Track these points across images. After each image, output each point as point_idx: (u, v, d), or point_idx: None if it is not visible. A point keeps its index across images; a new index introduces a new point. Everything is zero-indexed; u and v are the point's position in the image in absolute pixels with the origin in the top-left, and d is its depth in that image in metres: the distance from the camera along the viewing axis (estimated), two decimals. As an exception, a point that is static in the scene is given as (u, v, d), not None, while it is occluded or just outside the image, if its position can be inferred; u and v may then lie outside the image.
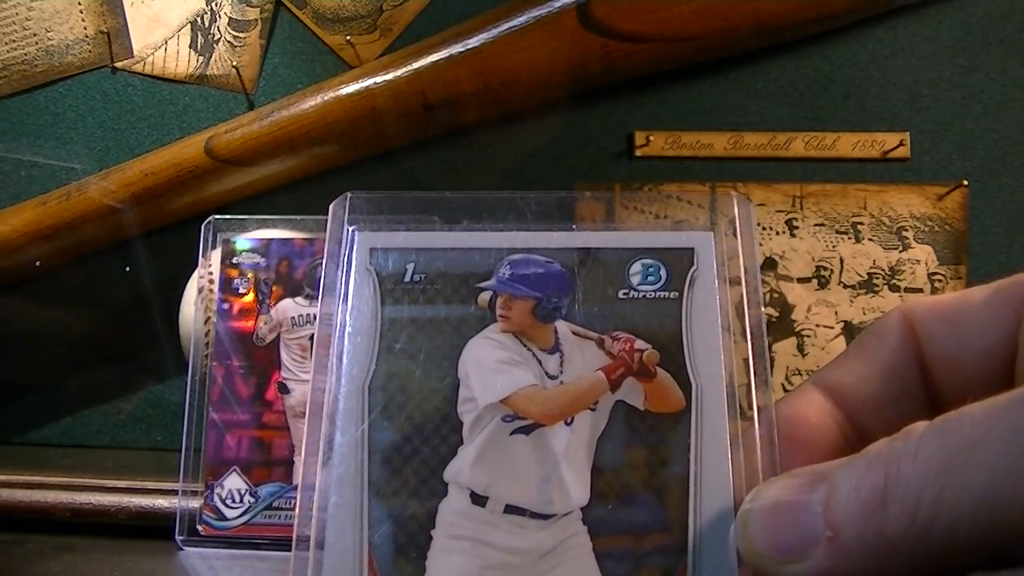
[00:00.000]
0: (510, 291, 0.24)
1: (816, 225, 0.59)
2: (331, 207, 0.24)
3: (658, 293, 0.24)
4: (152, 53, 0.64)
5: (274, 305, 0.49)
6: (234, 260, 0.50)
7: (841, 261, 0.59)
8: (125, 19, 0.64)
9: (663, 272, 0.24)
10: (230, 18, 0.63)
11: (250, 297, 0.50)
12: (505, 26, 0.56)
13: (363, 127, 0.58)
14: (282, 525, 0.47)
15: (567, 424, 0.23)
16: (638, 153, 0.60)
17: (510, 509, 0.22)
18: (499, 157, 0.61)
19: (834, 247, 0.59)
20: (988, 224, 0.59)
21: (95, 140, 0.64)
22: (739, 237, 0.24)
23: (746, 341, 0.23)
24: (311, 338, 0.49)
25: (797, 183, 0.60)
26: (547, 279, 0.24)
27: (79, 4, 0.64)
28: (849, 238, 0.59)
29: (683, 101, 0.61)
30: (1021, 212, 0.59)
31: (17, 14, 0.64)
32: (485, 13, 0.58)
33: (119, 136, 0.64)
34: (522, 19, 0.56)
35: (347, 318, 0.23)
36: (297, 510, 0.22)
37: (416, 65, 0.57)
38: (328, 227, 0.24)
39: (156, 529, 0.48)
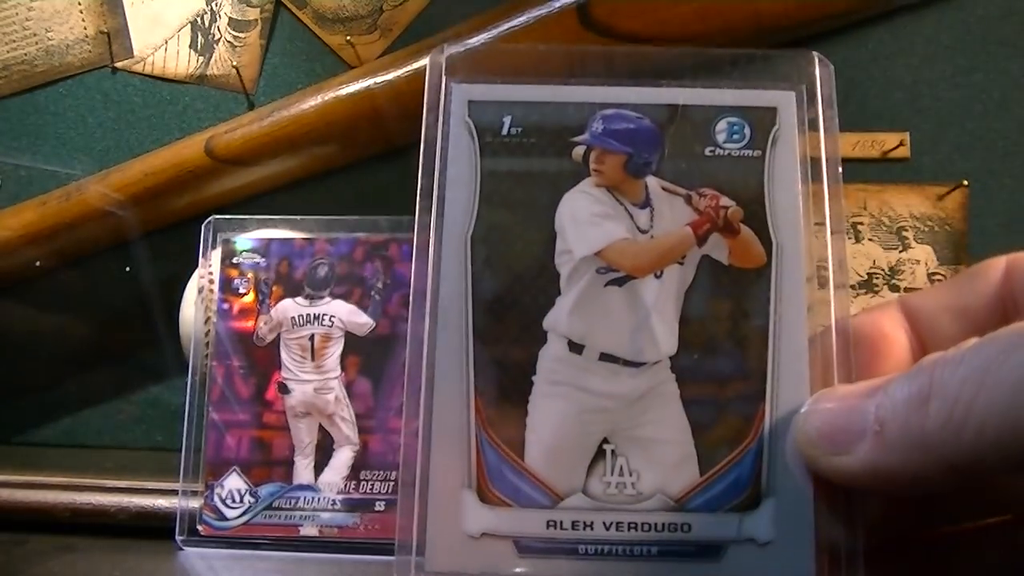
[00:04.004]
0: (603, 145, 0.24)
1: (816, 224, 0.59)
2: (429, 59, 0.25)
3: (742, 151, 0.24)
4: (152, 53, 0.64)
5: (274, 305, 0.49)
6: (234, 260, 0.50)
7: (841, 261, 0.59)
8: (125, 19, 0.64)
9: (747, 131, 0.25)
10: (230, 18, 0.63)
11: (250, 297, 0.50)
12: (505, 26, 0.56)
13: (363, 127, 0.58)
14: (282, 525, 0.47)
15: (657, 277, 0.23)
16: (638, 153, 0.60)
17: (605, 357, 0.23)
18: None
19: (834, 247, 0.59)
20: (988, 224, 0.59)
21: (95, 140, 0.64)
22: (820, 98, 0.25)
23: (824, 203, 0.25)
24: (311, 338, 0.49)
25: (797, 183, 0.60)
26: (638, 134, 0.24)
27: (79, 4, 0.64)
28: (849, 238, 0.59)
29: (683, 101, 0.61)
30: (1021, 212, 0.59)
31: (17, 14, 0.64)
32: (485, 13, 0.58)
33: (119, 136, 0.64)
34: (522, 19, 0.56)
35: (446, 169, 0.23)
36: (408, 355, 0.23)
37: (416, 65, 0.57)
38: (426, 79, 0.24)
39: (156, 529, 0.48)
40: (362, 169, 0.61)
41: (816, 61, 0.25)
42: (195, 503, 0.47)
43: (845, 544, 0.21)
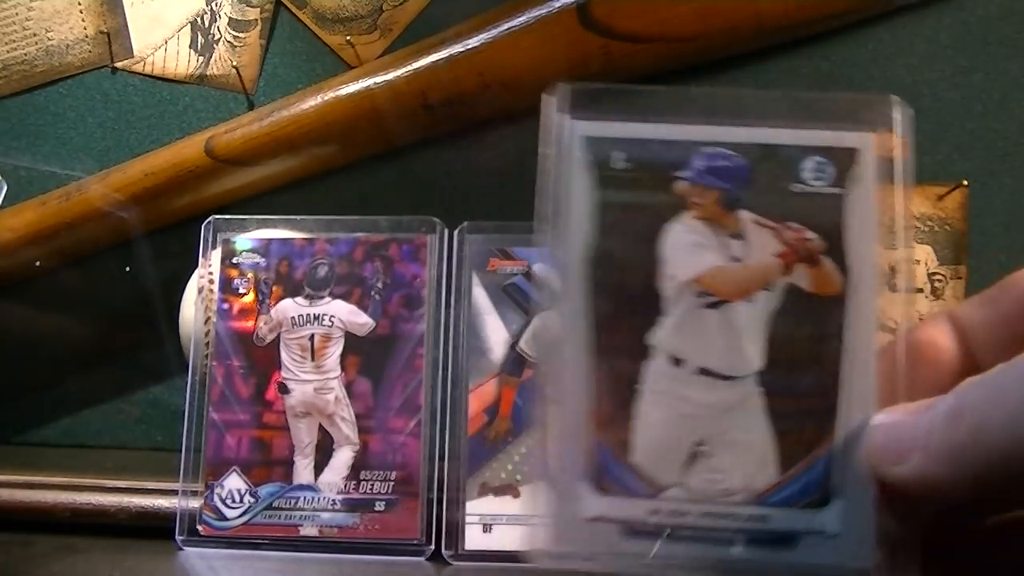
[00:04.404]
0: (702, 181, 0.27)
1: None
2: (548, 95, 0.28)
3: (826, 189, 0.27)
4: (152, 53, 0.64)
5: (274, 305, 0.49)
6: (234, 260, 0.50)
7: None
8: (125, 19, 0.64)
9: (831, 169, 0.27)
10: (230, 18, 0.63)
11: (250, 297, 0.50)
12: (505, 26, 0.56)
13: (363, 127, 0.58)
14: (282, 525, 0.47)
15: (748, 301, 0.27)
16: (638, 153, 0.60)
17: (702, 371, 0.26)
18: (499, 158, 0.61)
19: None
20: (988, 224, 0.59)
21: (95, 140, 0.64)
22: (897, 140, 0.27)
23: (894, 239, 0.28)
24: (311, 338, 0.49)
25: (797, 183, 0.60)
26: (733, 171, 0.27)
27: (79, 4, 0.64)
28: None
29: (683, 101, 0.61)
30: (1021, 212, 0.59)
31: (17, 14, 0.64)
32: (485, 13, 0.58)
33: (119, 136, 0.64)
34: (522, 19, 0.56)
35: (565, 199, 0.27)
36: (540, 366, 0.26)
37: (416, 65, 0.57)
38: (542, 115, 0.28)
39: (156, 529, 0.48)
40: (362, 169, 0.61)
41: (896, 105, 0.27)
42: (195, 503, 0.47)
43: (904, 537, 0.24)
